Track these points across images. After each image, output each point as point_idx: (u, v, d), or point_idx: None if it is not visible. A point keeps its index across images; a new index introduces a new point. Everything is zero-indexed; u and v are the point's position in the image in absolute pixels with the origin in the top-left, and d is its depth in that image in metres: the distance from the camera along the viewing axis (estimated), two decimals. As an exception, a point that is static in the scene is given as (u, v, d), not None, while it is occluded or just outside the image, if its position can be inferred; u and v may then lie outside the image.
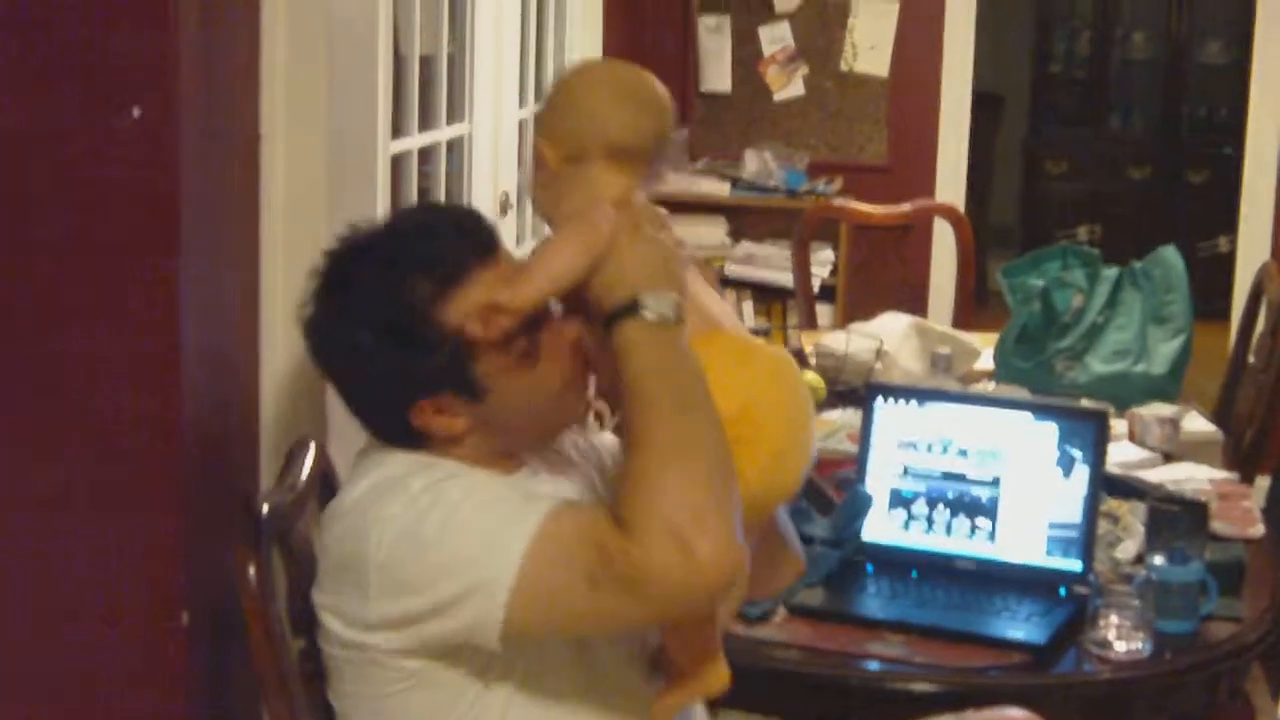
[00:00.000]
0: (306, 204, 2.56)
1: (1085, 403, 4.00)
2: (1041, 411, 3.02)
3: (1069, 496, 2.95)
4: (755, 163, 6.32)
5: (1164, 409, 3.99)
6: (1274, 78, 6.27)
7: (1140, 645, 2.73)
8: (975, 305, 5.48)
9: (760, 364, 2.23)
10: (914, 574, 2.97)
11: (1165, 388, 4.08)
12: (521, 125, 4.95)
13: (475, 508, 2.00)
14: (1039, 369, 4.10)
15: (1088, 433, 2.96)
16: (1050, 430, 2.97)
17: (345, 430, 2.55)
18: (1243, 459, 3.92)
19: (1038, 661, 2.72)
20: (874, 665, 2.70)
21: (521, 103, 4.96)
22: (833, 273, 6.17)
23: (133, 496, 2.33)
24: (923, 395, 3.11)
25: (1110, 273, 4.22)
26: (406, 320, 2.06)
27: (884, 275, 5.49)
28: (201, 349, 2.36)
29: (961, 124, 6.50)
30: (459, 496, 2.02)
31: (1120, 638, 2.73)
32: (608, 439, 2.41)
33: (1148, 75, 9.87)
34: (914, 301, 5.60)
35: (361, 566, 2.03)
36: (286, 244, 2.55)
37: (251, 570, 2.18)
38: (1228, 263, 6.60)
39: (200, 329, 2.35)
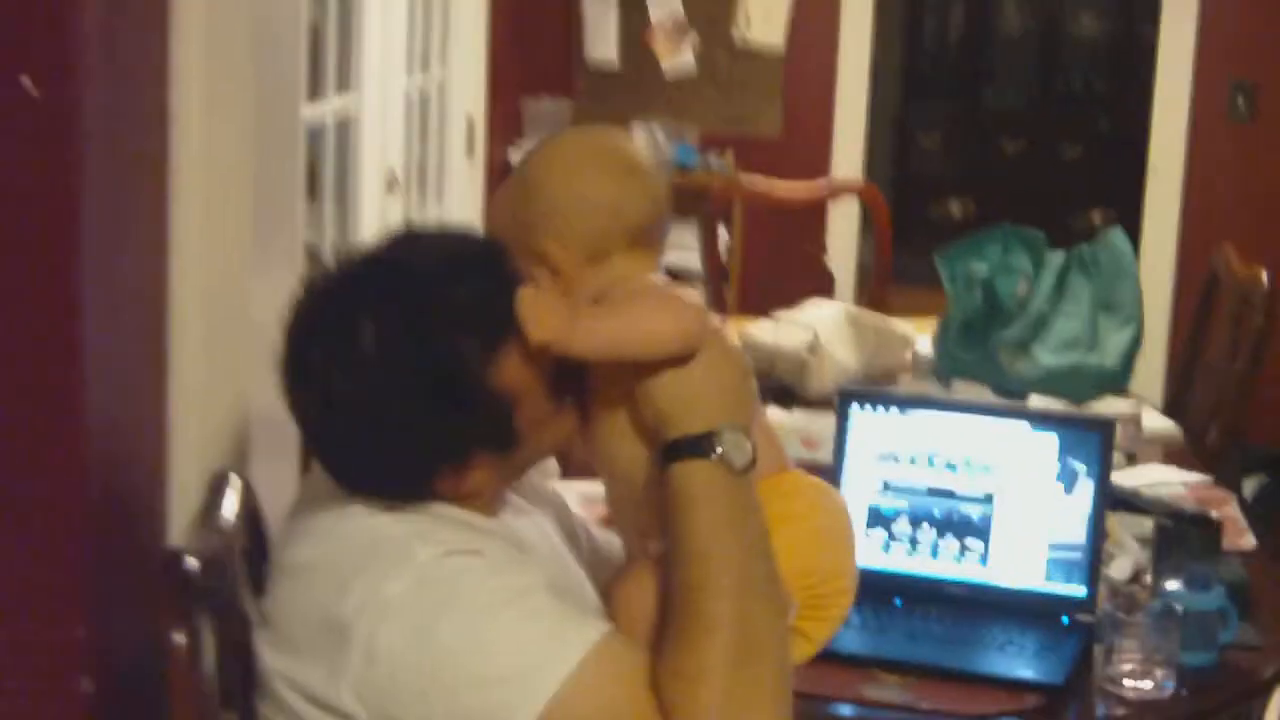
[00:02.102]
0: (225, 193, 2.18)
1: (1035, 399, 3.74)
2: (1040, 421, 2.72)
3: (1071, 514, 2.65)
4: (643, 137, 5.98)
5: (1121, 405, 3.73)
6: (1181, 53, 6.03)
7: (1164, 682, 2.44)
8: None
9: (834, 512, 1.96)
10: (898, 602, 2.66)
11: (1116, 380, 3.82)
12: (415, 98, 4.59)
13: (508, 617, 1.69)
14: (984, 362, 3.80)
15: (1092, 444, 2.66)
16: (1050, 441, 2.66)
17: (269, 460, 2.21)
18: (1209, 459, 3.65)
19: (1053, 703, 2.42)
20: (873, 713, 2.38)
21: (409, 71, 4.60)
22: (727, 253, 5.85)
23: (21, 537, 1.94)
24: (905, 402, 2.78)
25: (1056, 257, 3.95)
26: (454, 383, 1.74)
27: (784, 256, 5.19)
28: (104, 363, 1.98)
29: (859, 96, 6.23)
30: (480, 593, 1.71)
31: (1143, 675, 2.44)
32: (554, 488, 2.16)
33: (1021, 48, 9.67)
34: (817, 283, 5.32)
35: (340, 641, 1.70)
36: (202, 241, 2.16)
37: (179, 638, 1.80)
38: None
39: (102, 339, 1.97)
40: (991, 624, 2.61)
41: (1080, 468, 2.65)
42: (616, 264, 1.87)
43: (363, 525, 1.77)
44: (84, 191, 1.88)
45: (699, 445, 1.73)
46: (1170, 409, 3.95)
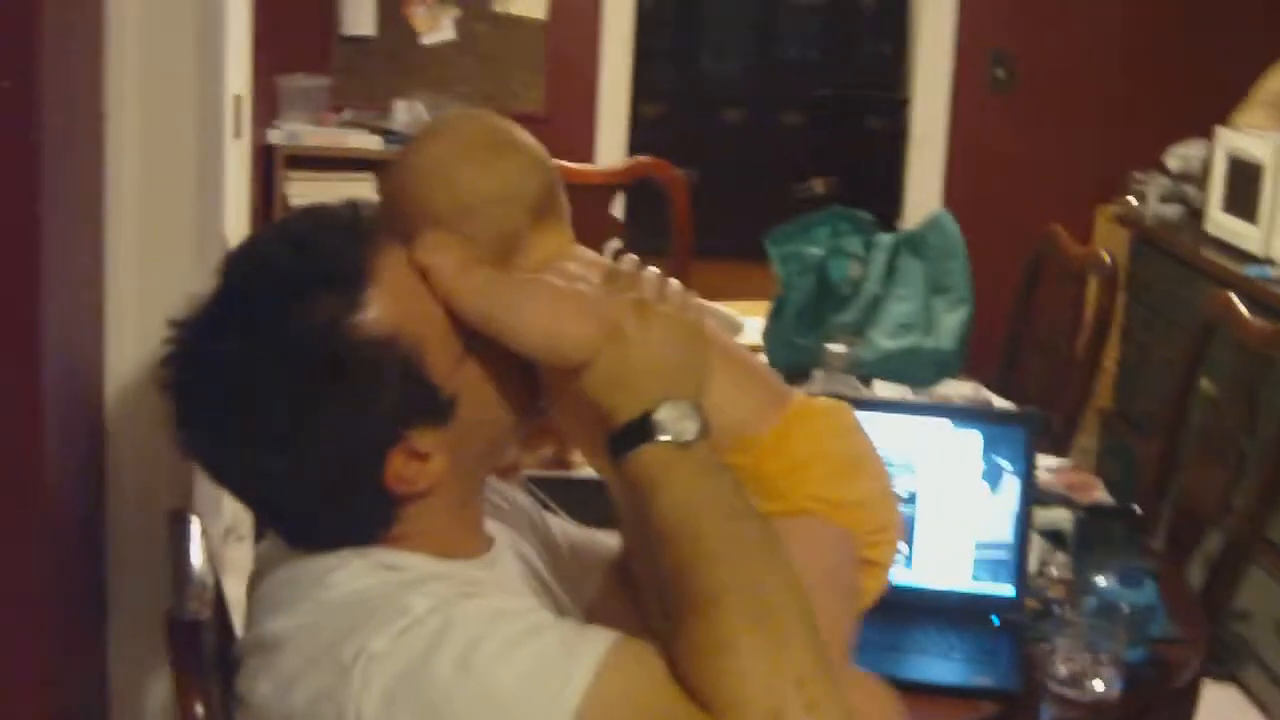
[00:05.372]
0: (163, 198, 1.98)
1: (879, 385, 3.70)
2: (963, 418, 2.66)
3: (996, 512, 2.61)
4: (406, 113, 5.79)
5: (962, 388, 3.72)
6: (942, 22, 6.07)
7: (1113, 682, 2.41)
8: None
9: (848, 433, 1.84)
10: (823, 608, 2.57)
11: (952, 362, 3.80)
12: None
13: (505, 644, 1.50)
14: (820, 347, 3.73)
15: (1016, 440, 2.61)
16: (974, 438, 2.61)
17: (210, 495, 2.03)
18: (1055, 441, 3.65)
19: (1006, 710, 2.37)
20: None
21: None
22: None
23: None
24: (822, 401, 2.70)
25: (885, 239, 3.91)
26: (332, 351, 1.54)
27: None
28: (59, 384, 1.79)
29: (623, 70, 6.13)
30: (480, 628, 1.51)
31: (1093, 675, 2.41)
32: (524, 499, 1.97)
33: (740, 15, 9.67)
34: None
35: (334, 713, 1.51)
36: (139, 248, 1.97)
37: (200, 711, 1.62)
38: (824, 205, 6.37)
39: (59, 358, 1.78)
40: (924, 627, 2.55)
41: (1005, 465, 2.60)
42: (531, 247, 1.76)
43: (346, 589, 1.58)
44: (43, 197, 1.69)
45: (640, 430, 1.59)
46: (996, 390, 3.93)
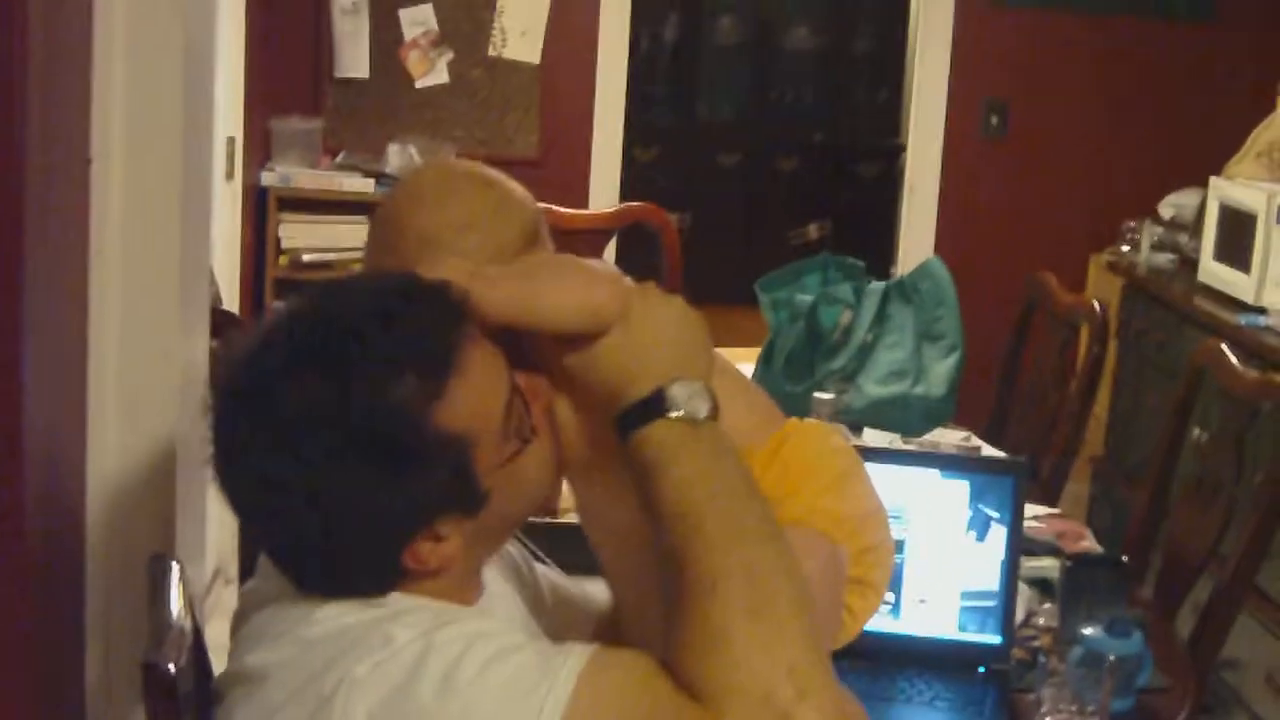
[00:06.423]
0: (148, 242, 1.98)
1: (869, 432, 3.70)
2: (951, 466, 2.65)
3: (983, 561, 2.60)
4: (400, 157, 5.78)
5: (954, 435, 3.71)
6: (935, 72, 6.09)
7: (1099, 734, 2.40)
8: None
9: (844, 452, 1.83)
10: (809, 657, 2.56)
11: (943, 410, 3.79)
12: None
13: (484, 661, 1.49)
14: (809, 394, 3.74)
15: (1004, 489, 2.61)
16: (961, 488, 2.61)
17: (195, 539, 2.02)
18: (1044, 489, 3.65)
19: (994, 762, 2.37)
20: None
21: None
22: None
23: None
24: (809, 449, 2.70)
25: (876, 286, 3.91)
26: (396, 435, 1.53)
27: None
28: (39, 423, 1.78)
29: (617, 115, 6.12)
30: (459, 649, 1.51)
31: (1079, 727, 2.40)
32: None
33: (735, 60, 9.68)
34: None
35: None
36: (123, 293, 1.97)
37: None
38: (817, 250, 6.35)
39: (40, 398, 1.77)
40: (909, 675, 2.55)
41: (993, 513, 2.60)
42: None
43: (331, 624, 1.58)
44: (26, 237, 1.69)
45: (651, 406, 1.59)
46: (988, 437, 3.93)
